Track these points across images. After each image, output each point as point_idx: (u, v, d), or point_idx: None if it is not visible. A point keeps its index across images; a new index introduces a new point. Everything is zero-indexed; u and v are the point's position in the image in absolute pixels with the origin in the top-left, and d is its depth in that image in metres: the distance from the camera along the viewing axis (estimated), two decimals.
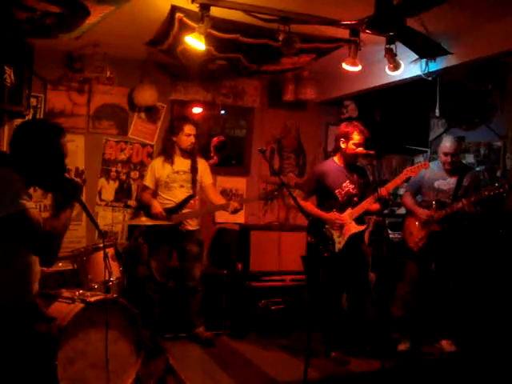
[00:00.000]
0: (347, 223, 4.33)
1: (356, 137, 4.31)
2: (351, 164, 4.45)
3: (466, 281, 4.77)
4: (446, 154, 4.59)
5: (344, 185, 4.39)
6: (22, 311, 2.42)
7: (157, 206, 4.59)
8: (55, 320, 3.09)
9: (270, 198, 4.95)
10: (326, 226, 4.37)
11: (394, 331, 4.79)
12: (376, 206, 4.38)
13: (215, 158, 5.93)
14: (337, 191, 4.38)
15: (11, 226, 2.26)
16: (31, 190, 2.48)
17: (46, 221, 2.35)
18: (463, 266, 4.71)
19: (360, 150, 4.28)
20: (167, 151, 4.81)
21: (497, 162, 5.53)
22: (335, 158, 4.51)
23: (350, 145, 4.33)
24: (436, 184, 4.65)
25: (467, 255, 4.77)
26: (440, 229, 4.52)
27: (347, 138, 4.35)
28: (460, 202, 4.38)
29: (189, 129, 4.73)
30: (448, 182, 4.63)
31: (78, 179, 2.53)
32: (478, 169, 5.70)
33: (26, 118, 4.80)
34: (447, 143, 4.62)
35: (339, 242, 4.33)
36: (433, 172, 4.65)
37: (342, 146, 4.40)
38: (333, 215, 4.34)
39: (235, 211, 4.63)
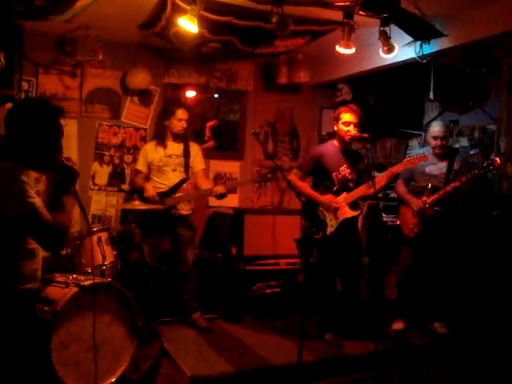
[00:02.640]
0: (341, 207, 4.33)
1: (344, 116, 4.32)
2: (348, 148, 4.44)
3: (459, 263, 4.81)
4: (435, 138, 4.63)
5: (341, 168, 4.38)
6: (28, 297, 2.42)
7: (150, 190, 4.57)
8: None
9: (262, 180, 4.94)
10: (320, 208, 4.37)
11: (388, 313, 4.83)
12: (371, 190, 4.38)
13: (211, 141, 5.88)
14: (334, 174, 4.37)
15: (21, 225, 2.25)
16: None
17: (53, 216, 2.32)
18: (457, 249, 4.75)
19: (353, 132, 4.27)
20: (160, 135, 4.80)
21: (491, 145, 5.52)
22: (334, 141, 4.50)
23: (340, 125, 4.35)
24: (427, 169, 4.67)
25: (461, 238, 4.79)
26: (433, 212, 4.53)
27: (337, 119, 4.37)
28: (452, 185, 4.42)
29: (181, 113, 4.70)
30: (439, 167, 4.65)
31: (74, 165, 2.49)
32: (471, 152, 5.69)
33: None
34: (436, 127, 4.67)
35: (331, 226, 4.33)
36: None
37: (335, 128, 4.42)
38: (327, 198, 4.34)
39: (220, 196, 4.58)
